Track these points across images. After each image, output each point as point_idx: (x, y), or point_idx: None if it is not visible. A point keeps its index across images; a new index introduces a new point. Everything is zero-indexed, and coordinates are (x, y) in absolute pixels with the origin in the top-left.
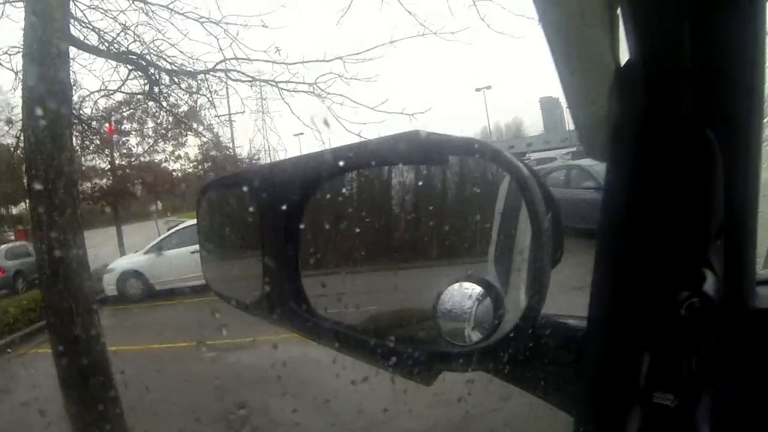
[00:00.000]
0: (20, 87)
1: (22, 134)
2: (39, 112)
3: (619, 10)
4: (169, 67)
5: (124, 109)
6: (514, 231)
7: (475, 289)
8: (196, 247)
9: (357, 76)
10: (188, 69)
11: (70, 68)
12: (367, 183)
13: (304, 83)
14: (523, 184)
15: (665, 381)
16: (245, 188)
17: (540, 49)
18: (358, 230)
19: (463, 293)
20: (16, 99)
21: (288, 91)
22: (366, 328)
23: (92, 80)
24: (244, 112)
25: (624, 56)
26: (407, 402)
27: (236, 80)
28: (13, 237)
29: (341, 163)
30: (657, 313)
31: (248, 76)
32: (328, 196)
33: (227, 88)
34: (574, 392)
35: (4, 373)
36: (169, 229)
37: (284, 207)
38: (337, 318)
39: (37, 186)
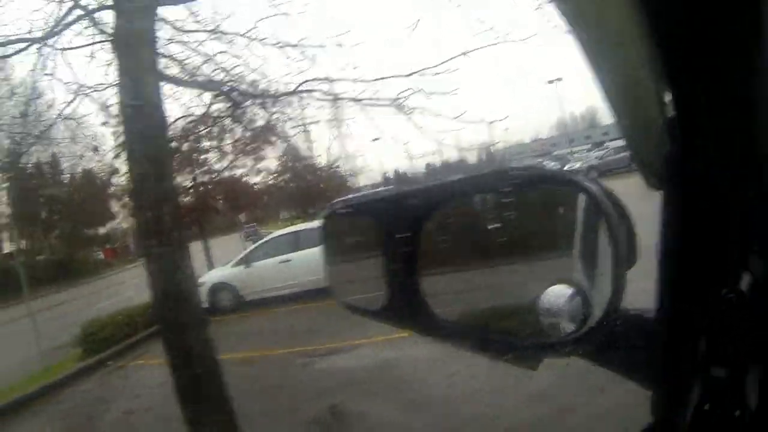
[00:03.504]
0: (108, 119)
1: (114, 160)
2: (141, 146)
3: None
4: (251, 90)
5: (202, 128)
6: (596, 238)
7: (568, 290)
8: (285, 257)
9: (437, 91)
10: (271, 92)
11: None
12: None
13: (386, 99)
14: (597, 205)
15: (719, 358)
16: (370, 214)
17: None
18: (465, 241)
19: (558, 293)
20: (98, 127)
21: (370, 106)
22: (478, 324)
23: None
24: (318, 122)
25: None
26: (499, 401)
27: (319, 99)
28: (102, 256)
29: (452, 193)
30: (707, 305)
31: (330, 95)
32: (443, 217)
33: (303, 106)
34: (648, 370)
35: (107, 385)
36: (245, 236)
37: (406, 229)
38: (452, 317)
39: (146, 213)
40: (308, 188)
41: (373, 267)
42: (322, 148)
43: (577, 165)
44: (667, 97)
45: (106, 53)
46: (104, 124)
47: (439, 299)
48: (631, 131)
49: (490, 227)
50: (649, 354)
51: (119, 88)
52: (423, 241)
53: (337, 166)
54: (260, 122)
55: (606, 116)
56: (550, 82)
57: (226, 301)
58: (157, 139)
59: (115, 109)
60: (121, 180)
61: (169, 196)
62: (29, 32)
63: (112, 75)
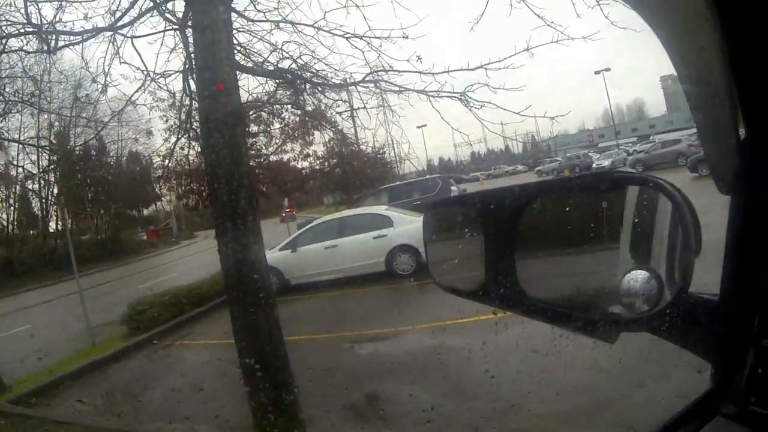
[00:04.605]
0: (173, 104)
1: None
2: (218, 132)
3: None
4: (316, 79)
5: (251, 113)
6: (650, 230)
7: (645, 274)
8: (331, 242)
9: (504, 86)
10: (337, 81)
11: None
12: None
13: (455, 93)
14: (678, 206)
15: None
16: (472, 208)
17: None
18: (547, 234)
19: (636, 277)
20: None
21: (435, 98)
22: (565, 303)
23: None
24: (364, 108)
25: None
26: (537, 391)
27: (386, 90)
28: (145, 237)
29: (551, 190)
30: (763, 289)
31: (397, 85)
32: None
33: (347, 92)
34: (710, 344)
35: (154, 363)
36: (281, 219)
37: (506, 220)
38: (541, 297)
39: (222, 198)
40: (354, 174)
41: (471, 253)
42: (368, 134)
43: (606, 162)
44: (741, 117)
45: (171, 41)
46: (152, 108)
47: (531, 281)
48: (709, 146)
49: (574, 220)
50: (711, 330)
51: (196, 76)
52: (519, 230)
53: (383, 153)
54: (309, 108)
55: (653, 109)
56: (597, 72)
57: (272, 285)
58: (233, 126)
59: (179, 95)
60: (171, 164)
61: (244, 180)
62: (84, 18)
63: (176, 62)
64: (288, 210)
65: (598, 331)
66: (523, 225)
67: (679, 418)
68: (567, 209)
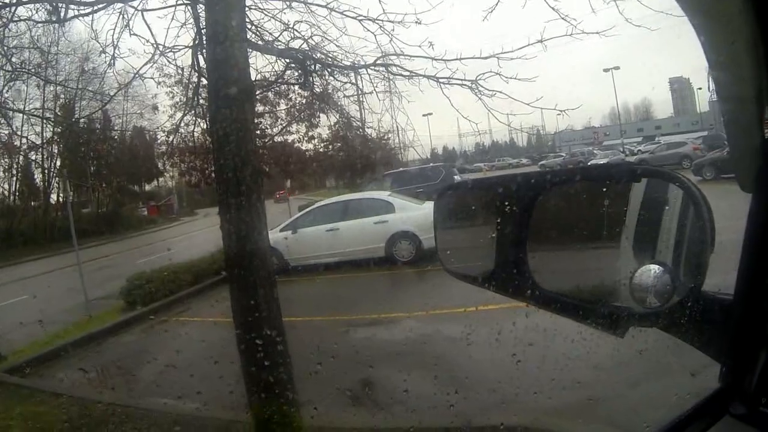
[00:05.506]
0: (179, 81)
1: (179, 121)
2: (227, 109)
3: None
4: (327, 60)
5: (258, 92)
6: (657, 226)
7: (658, 269)
8: (332, 225)
9: (516, 76)
10: (348, 63)
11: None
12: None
13: (466, 80)
14: (695, 200)
15: None
16: (485, 194)
17: (673, 36)
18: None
19: (648, 271)
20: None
21: (445, 85)
22: (575, 294)
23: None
24: (372, 92)
25: None
26: (534, 384)
27: (396, 75)
28: (146, 212)
29: (572, 177)
30: None
31: (407, 70)
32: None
33: (357, 75)
34: (722, 343)
35: (150, 338)
36: (275, 200)
37: (520, 207)
38: (552, 288)
39: (227, 174)
40: (358, 158)
41: (482, 239)
42: (374, 119)
43: (601, 162)
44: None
45: (182, 15)
46: (159, 84)
47: (542, 271)
48: (734, 143)
49: (589, 212)
50: (724, 330)
51: (206, 51)
52: (533, 219)
53: (388, 139)
54: (317, 89)
55: (660, 110)
56: (606, 70)
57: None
58: (242, 102)
59: (187, 71)
60: (175, 140)
61: (251, 157)
62: None
63: (185, 37)
64: (282, 192)
65: (609, 324)
66: (537, 213)
67: (688, 416)
68: (582, 199)
